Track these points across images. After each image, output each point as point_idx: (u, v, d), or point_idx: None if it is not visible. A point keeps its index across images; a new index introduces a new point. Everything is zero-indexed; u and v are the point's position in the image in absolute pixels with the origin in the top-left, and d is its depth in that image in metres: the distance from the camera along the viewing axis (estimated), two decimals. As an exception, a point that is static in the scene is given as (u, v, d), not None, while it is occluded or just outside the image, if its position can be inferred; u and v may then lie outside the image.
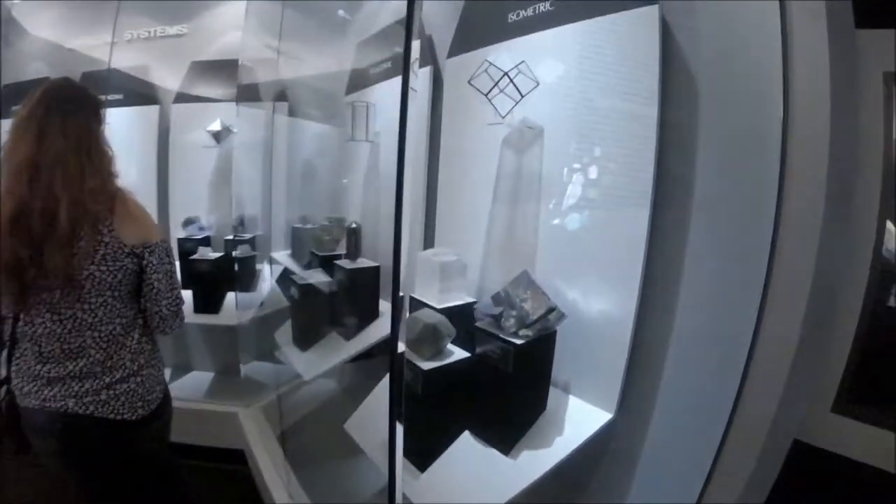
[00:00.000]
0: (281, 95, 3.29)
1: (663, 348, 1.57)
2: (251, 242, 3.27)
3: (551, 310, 1.59)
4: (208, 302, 3.19)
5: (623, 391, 1.63)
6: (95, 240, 1.41)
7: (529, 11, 1.84)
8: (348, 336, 2.50)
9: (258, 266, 3.35)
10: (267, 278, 3.33)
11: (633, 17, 1.53)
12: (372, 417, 1.92)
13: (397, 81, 2.50)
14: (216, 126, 3.35)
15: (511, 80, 1.73)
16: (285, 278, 3.00)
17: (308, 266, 2.74)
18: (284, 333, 2.84)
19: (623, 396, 1.63)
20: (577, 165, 1.70)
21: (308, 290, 2.57)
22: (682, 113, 1.49)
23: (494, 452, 1.65)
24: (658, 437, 1.60)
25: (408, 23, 0.99)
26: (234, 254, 3.17)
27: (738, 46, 1.44)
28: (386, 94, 2.60)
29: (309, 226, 3.17)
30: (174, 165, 3.43)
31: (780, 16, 1.30)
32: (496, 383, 1.63)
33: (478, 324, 1.70)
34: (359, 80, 2.86)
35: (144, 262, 1.50)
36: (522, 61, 1.74)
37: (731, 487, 1.42)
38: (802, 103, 1.28)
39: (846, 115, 1.30)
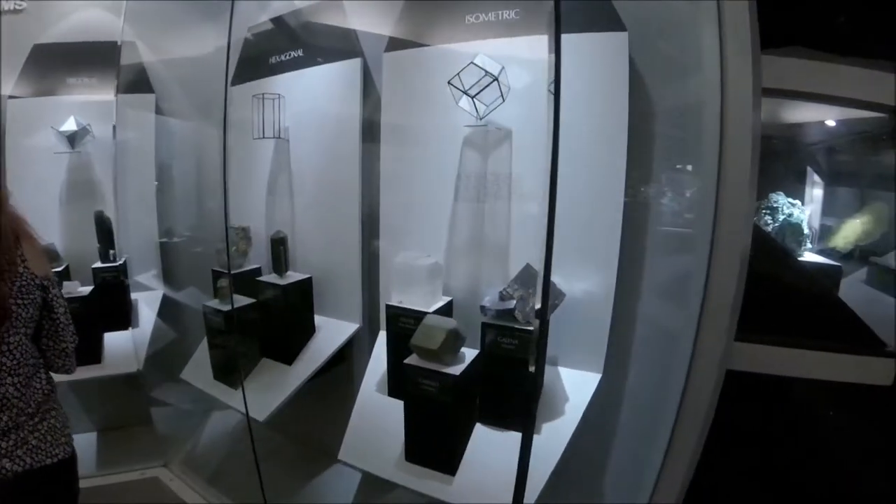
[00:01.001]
0: (143, 86, 2.68)
1: (635, 318, 1.92)
2: (122, 269, 2.69)
3: (557, 294, 1.79)
4: (86, 350, 2.54)
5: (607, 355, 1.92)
6: (13, 271, 1.35)
7: (491, 16, 1.94)
8: (289, 360, 2.28)
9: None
10: (144, 310, 2.73)
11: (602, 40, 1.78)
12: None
13: (306, 73, 2.35)
14: (70, 125, 2.74)
15: (499, 84, 1.81)
16: (165, 307, 2.53)
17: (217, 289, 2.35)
18: (197, 372, 2.40)
19: (607, 358, 1.92)
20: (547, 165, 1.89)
21: (230, 316, 2.25)
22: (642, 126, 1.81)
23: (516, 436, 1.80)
24: (636, 382, 1.96)
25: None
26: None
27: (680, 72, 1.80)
28: (290, 86, 2.42)
29: (176, 239, 2.71)
30: (13, 178, 2.85)
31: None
32: (513, 372, 1.77)
33: (486, 320, 1.79)
34: (251, 71, 2.53)
35: (49, 294, 1.46)
36: (503, 68, 1.83)
37: (696, 414, 1.81)
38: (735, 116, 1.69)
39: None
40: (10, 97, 2.80)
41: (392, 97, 2.15)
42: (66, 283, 2.72)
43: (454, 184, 2.05)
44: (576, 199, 1.86)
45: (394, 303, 1.97)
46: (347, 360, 2.40)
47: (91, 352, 2.71)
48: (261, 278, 2.33)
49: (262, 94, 2.39)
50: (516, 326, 1.76)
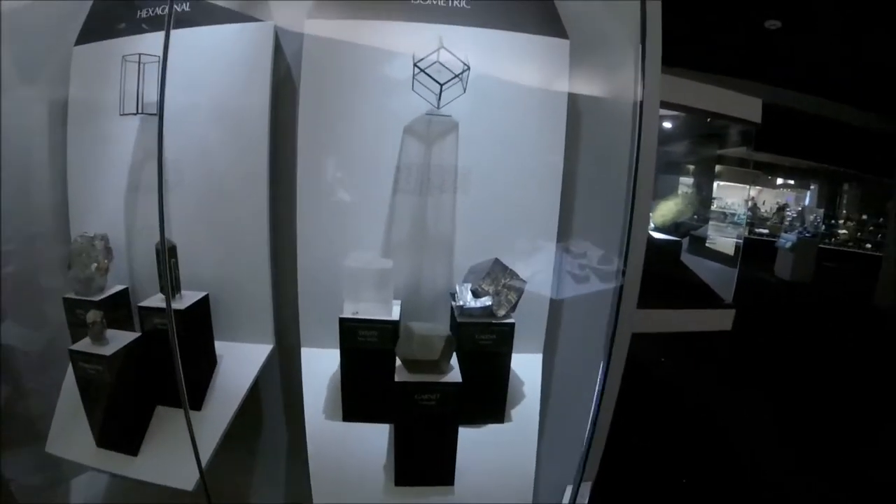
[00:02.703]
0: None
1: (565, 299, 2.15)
2: None
3: (523, 284, 1.88)
4: None
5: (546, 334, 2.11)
6: None
7: (441, 1, 1.87)
8: (198, 404, 1.86)
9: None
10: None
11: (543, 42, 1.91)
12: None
13: (186, 34, 1.95)
14: None
15: (463, 75, 1.77)
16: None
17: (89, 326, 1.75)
18: (68, 443, 1.77)
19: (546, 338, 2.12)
20: (491, 156, 1.96)
21: (114, 360, 1.70)
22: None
23: (492, 427, 1.87)
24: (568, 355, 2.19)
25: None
26: None
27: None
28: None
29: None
30: None
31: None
32: (491, 367, 1.82)
33: (463, 319, 1.79)
34: (105, 26, 1.96)
35: None
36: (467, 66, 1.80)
37: (617, 367, 2.15)
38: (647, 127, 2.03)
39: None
40: None
41: (314, 73, 1.90)
42: None
43: (392, 176, 1.94)
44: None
45: (348, 314, 1.79)
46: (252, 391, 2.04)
47: None
48: (145, 304, 1.84)
49: (140, 54, 1.83)
50: (494, 322, 1.81)
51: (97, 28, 2.07)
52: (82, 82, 2.08)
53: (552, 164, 1.97)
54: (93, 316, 1.77)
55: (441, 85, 1.80)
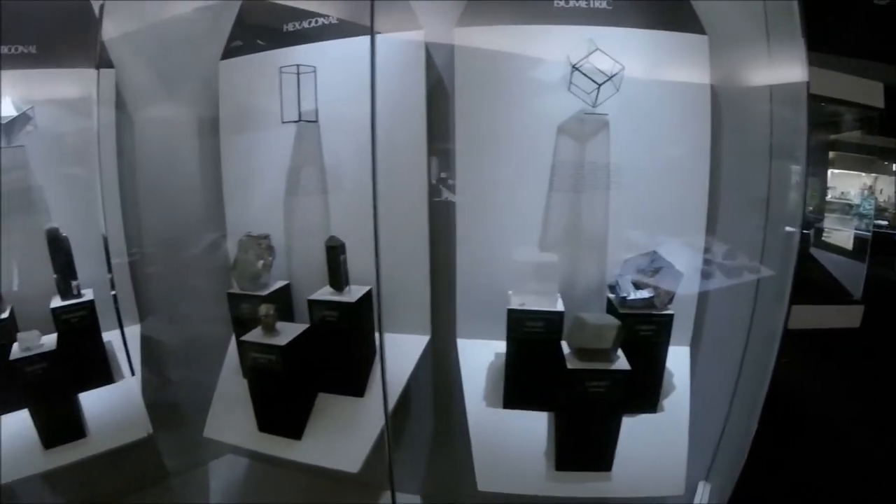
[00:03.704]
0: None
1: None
2: (90, 306, 2.09)
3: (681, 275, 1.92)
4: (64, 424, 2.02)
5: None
6: None
7: (582, 3, 1.95)
8: (360, 391, 1.99)
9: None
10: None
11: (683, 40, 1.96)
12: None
13: (336, 45, 2.08)
14: (5, 110, 2.05)
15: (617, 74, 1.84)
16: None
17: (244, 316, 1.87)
18: (226, 427, 1.91)
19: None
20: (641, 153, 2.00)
21: (289, 351, 1.83)
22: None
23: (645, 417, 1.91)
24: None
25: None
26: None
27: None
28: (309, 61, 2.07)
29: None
30: None
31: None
32: (649, 357, 1.88)
33: (624, 310, 1.84)
34: (251, 40, 2.15)
35: None
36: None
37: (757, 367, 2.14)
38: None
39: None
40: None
41: (466, 78, 2.00)
42: (20, 336, 1.97)
43: (547, 174, 2.00)
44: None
45: (515, 306, 1.86)
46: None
47: (71, 425, 2.05)
48: (317, 297, 1.97)
49: (297, 66, 1.98)
50: (655, 313, 1.85)
51: (243, 43, 2.23)
52: (232, 94, 2.25)
53: (699, 159, 2.00)
54: (265, 309, 1.89)
55: (599, 85, 1.87)
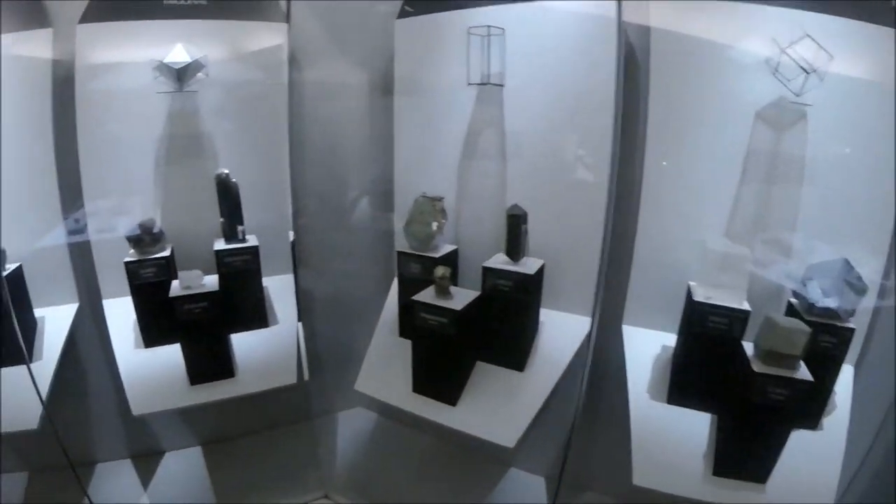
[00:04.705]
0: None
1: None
2: (254, 251, 2.19)
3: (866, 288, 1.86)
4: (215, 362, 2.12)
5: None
6: None
7: None
8: (520, 365, 1.98)
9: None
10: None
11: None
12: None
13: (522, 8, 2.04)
14: (179, 56, 2.10)
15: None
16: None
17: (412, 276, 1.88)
18: (377, 383, 2.04)
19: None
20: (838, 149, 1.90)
21: (462, 316, 1.85)
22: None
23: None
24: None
25: None
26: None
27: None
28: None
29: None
30: (86, 131, 2.16)
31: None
32: (823, 371, 1.80)
33: (810, 317, 1.79)
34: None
35: None
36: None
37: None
38: None
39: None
40: (82, 22, 2.09)
41: (663, 55, 1.93)
42: (182, 275, 2.06)
43: (740, 162, 1.92)
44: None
45: (700, 298, 1.82)
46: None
47: (221, 364, 2.14)
48: (490, 265, 1.96)
49: (488, 27, 1.94)
50: (839, 324, 1.79)
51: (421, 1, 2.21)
52: (408, 54, 2.24)
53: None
54: (442, 271, 1.89)
55: (808, 73, 1.80)
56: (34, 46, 2.13)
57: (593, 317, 2.01)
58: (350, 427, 2.66)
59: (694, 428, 1.90)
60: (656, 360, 1.99)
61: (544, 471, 2.48)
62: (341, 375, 2.36)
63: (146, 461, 2.62)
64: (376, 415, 2.65)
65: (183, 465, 2.62)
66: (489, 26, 2.02)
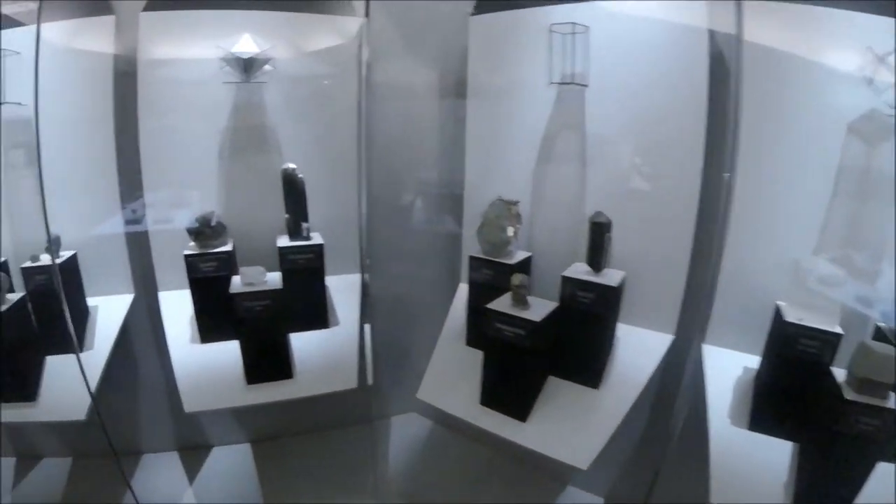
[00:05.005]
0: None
1: None
2: (319, 251, 2.14)
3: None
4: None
5: None
6: None
7: None
8: (596, 382, 1.91)
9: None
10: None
11: None
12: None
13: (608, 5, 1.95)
14: (246, 46, 2.06)
15: None
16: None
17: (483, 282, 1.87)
18: (441, 393, 1.99)
19: None
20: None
21: (541, 329, 1.78)
22: None
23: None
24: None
25: None
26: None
27: None
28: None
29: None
30: (148, 116, 2.13)
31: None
32: None
33: None
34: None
35: None
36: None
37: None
38: None
39: None
40: (145, 10, 2.06)
41: (755, 60, 1.78)
42: (244, 270, 2.00)
43: (833, 177, 1.81)
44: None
45: (792, 320, 1.73)
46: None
47: (280, 365, 2.08)
48: (570, 274, 1.89)
49: (572, 24, 1.85)
50: None
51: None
52: (483, 52, 2.16)
53: None
54: (520, 279, 1.82)
55: None
56: (95, 35, 2.08)
57: (694, 336, 1.91)
58: (404, 432, 2.62)
59: (775, 455, 1.80)
60: (737, 382, 1.90)
61: (604, 491, 2.41)
62: (398, 380, 2.32)
63: (194, 454, 2.60)
64: (431, 422, 2.61)
65: (230, 461, 2.60)
66: (573, 23, 1.94)
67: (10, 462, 2.53)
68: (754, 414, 1.83)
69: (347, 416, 2.68)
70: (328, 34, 2.18)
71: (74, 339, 1.97)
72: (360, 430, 2.64)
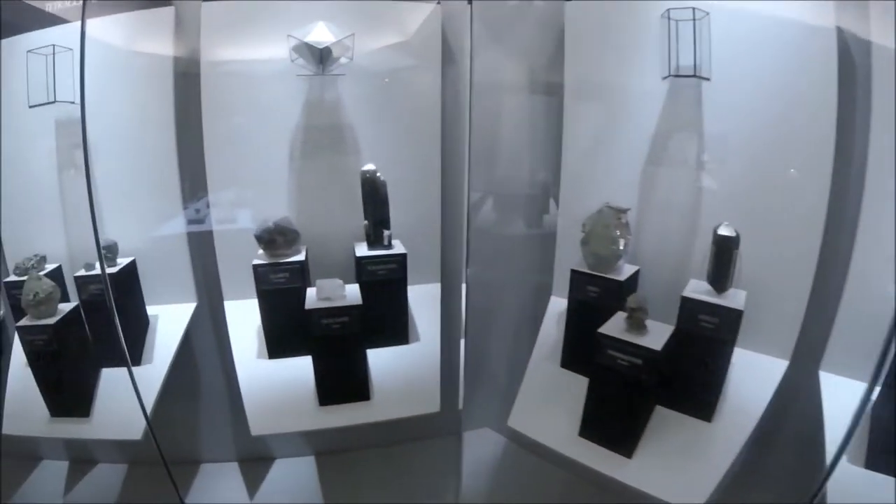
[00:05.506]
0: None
1: None
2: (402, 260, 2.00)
3: None
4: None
5: None
6: None
7: None
8: (708, 415, 1.74)
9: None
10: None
11: None
12: None
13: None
14: (321, 35, 1.87)
15: None
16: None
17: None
18: (535, 422, 1.85)
19: None
20: None
21: (655, 359, 1.60)
22: None
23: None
24: None
25: None
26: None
27: None
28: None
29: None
30: (212, 113, 1.96)
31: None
32: None
33: None
34: None
35: None
36: None
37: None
38: None
39: None
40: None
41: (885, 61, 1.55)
42: (321, 283, 1.86)
43: None
44: None
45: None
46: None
47: (356, 386, 1.94)
48: (691, 294, 1.69)
49: (693, 9, 1.63)
50: None
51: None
52: (580, 41, 1.96)
53: None
54: (637, 302, 1.64)
55: None
56: (154, 28, 1.93)
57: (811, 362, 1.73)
58: (476, 449, 2.44)
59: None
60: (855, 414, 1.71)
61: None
62: (471, 396, 2.14)
63: (254, 466, 2.48)
64: (505, 439, 2.42)
65: (292, 474, 2.46)
66: (693, 8, 1.71)
67: (62, 466, 2.46)
68: (871, 451, 1.62)
69: (423, 432, 2.48)
70: (410, 23, 1.97)
71: (126, 353, 1.83)
72: (430, 444, 2.48)
